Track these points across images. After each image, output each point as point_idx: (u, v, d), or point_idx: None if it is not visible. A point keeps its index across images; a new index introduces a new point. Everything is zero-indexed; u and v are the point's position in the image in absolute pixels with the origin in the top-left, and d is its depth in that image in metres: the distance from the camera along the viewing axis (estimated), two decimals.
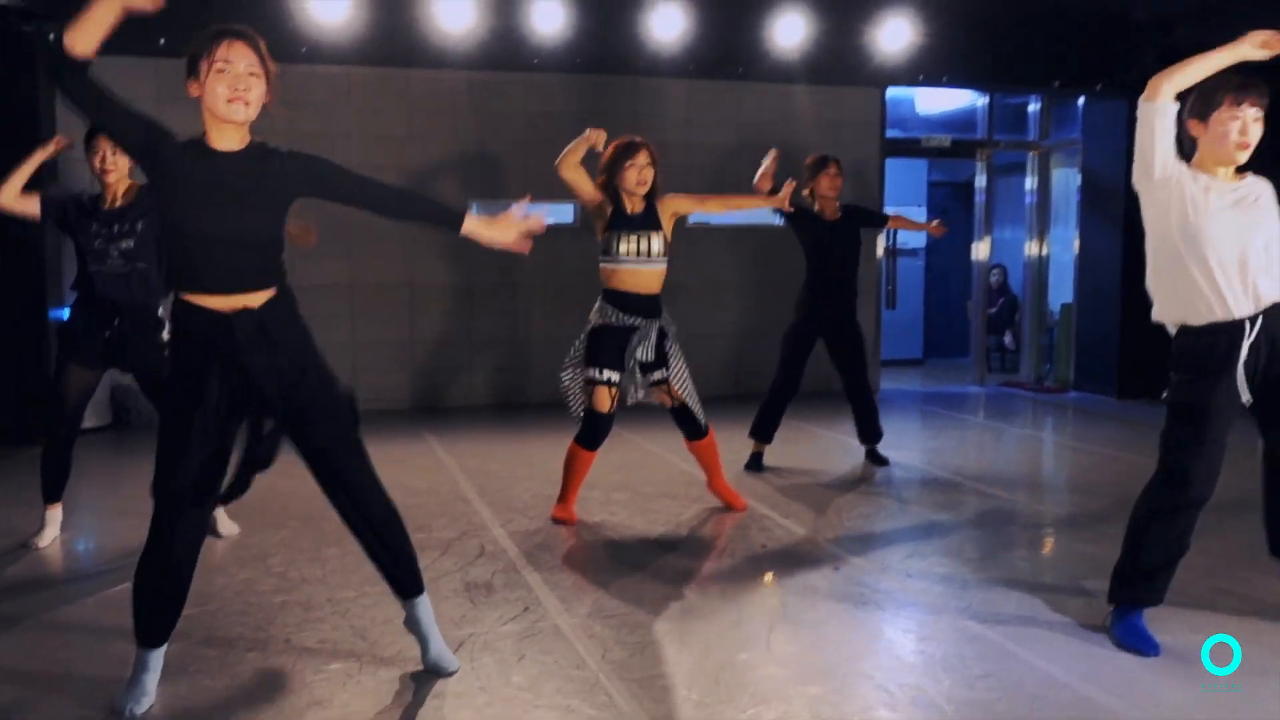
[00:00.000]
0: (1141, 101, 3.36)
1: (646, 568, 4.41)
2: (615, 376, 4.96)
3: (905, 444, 7.18)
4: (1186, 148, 3.48)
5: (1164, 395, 3.78)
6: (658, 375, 5.03)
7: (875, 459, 6.47)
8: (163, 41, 7.45)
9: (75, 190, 4.85)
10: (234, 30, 3.00)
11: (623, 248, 4.98)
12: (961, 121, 10.59)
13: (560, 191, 8.79)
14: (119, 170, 4.61)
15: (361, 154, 8.04)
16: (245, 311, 2.99)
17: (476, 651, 3.48)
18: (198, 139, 3.03)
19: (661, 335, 5.03)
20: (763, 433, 6.26)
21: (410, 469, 6.18)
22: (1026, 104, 10.25)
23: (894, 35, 8.42)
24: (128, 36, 8.06)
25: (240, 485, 3.25)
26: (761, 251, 9.04)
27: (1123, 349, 9.05)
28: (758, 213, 9.13)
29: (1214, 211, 3.35)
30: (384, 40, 7.74)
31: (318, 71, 7.98)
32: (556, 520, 5.12)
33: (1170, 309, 3.50)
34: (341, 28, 7.46)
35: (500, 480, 5.98)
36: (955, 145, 10.08)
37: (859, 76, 8.93)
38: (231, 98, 2.94)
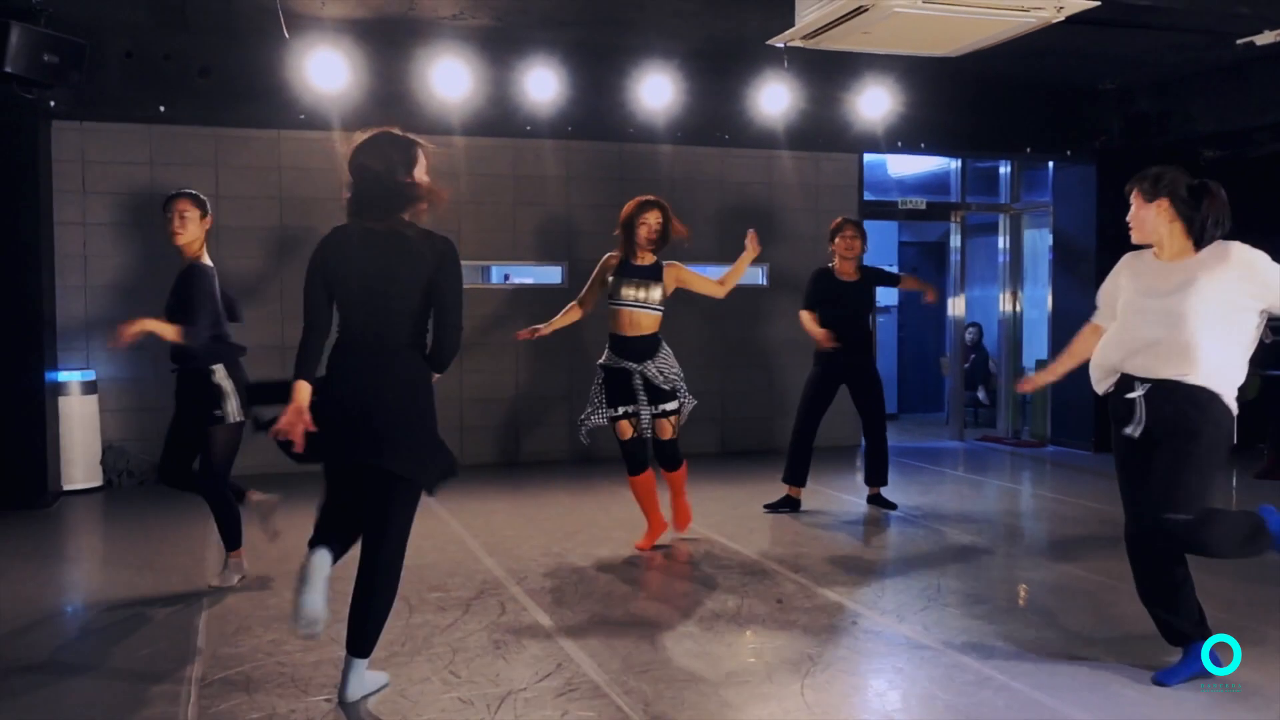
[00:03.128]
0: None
1: (668, 621, 4.49)
2: (628, 409, 5.58)
3: (897, 496, 7.34)
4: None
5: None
6: (667, 406, 5.61)
7: (880, 502, 6.92)
8: (162, 109, 7.57)
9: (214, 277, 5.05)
10: None
11: (625, 292, 5.56)
12: (934, 184, 10.93)
13: (548, 253, 9.06)
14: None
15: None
16: None
17: (520, 708, 3.54)
18: None
19: (660, 374, 5.58)
20: (797, 477, 6.74)
21: (415, 529, 6.19)
22: (997, 167, 10.60)
23: (873, 104, 8.72)
24: (129, 104, 8.15)
25: None
26: (740, 313, 9.22)
27: (1098, 404, 9.28)
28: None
29: (1138, 296, 3.85)
30: (380, 107, 7.90)
31: (314, 136, 8.09)
32: (642, 550, 5.74)
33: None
34: (339, 95, 7.60)
35: (506, 539, 6.04)
36: (930, 207, 10.39)
37: (839, 143, 9.23)
38: None
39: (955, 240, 10.53)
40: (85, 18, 6.86)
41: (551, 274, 9.17)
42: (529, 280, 9.40)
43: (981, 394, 11.50)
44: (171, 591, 5.01)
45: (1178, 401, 3.69)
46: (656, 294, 5.57)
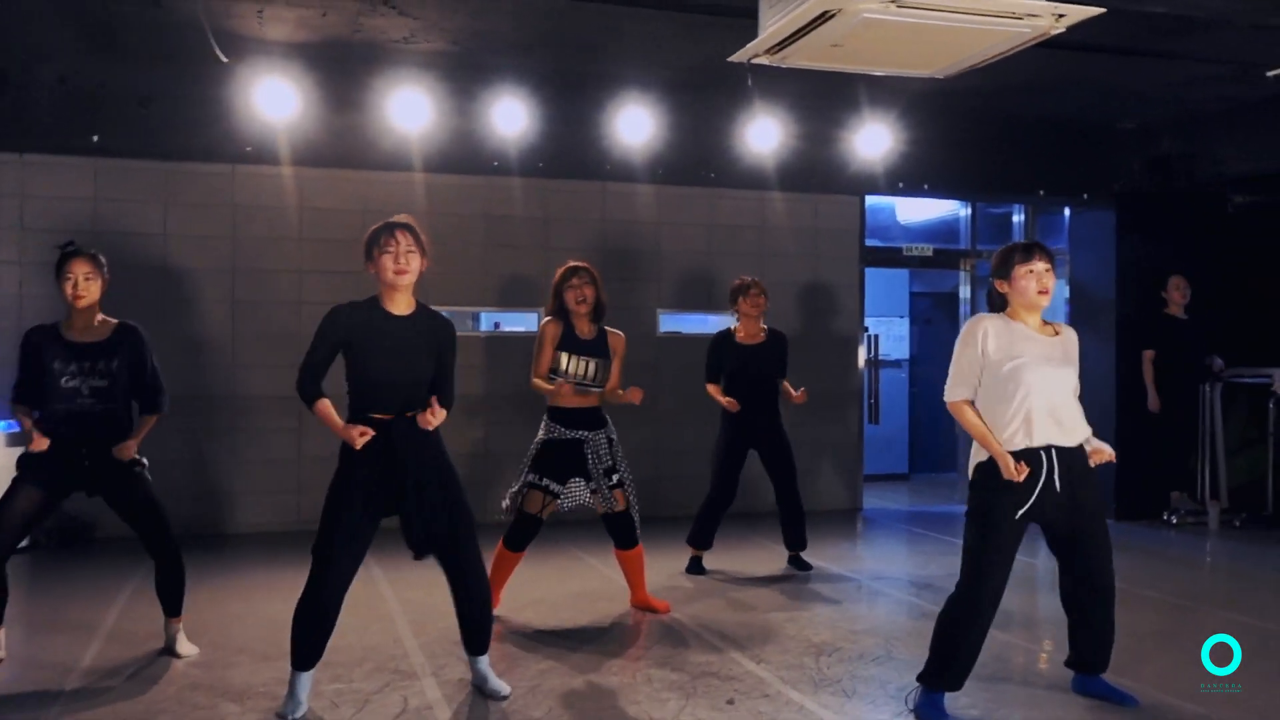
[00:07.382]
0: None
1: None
2: (553, 486, 5.18)
3: (890, 571, 6.62)
4: (998, 303, 4.09)
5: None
6: (613, 480, 5.25)
7: (798, 564, 6.59)
8: (96, 139, 7.08)
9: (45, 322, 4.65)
10: (396, 223, 3.96)
11: (572, 368, 5.22)
12: (944, 231, 10.28)
13: (518, 299, 8.44)
14: (90, 297, 4.50)
15: (312, 256, 7.61)
16: (401, 419, 3.91)
17: None
18: (376, 301, 3.98)
19: (609, 443, 5.30)
20: (703, 541, 6.44)
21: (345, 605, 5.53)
22: (1010, 214, 9.95)
23: (872, 142, 8.12)
24: (63, 135, 7.67)
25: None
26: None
27: (1120, 468, 8.53)
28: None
29: (1030, 361, 3.88)
30: (335, 141, 7.40)
31: (270, 172, 7.58)
32: None
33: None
34: (289, 127, 7.10)
35: (440, 615, 5.34)
36: (937, 255, 9.74)
37: (836, 184, 8.63)
38: (397, 270, 3.89)
39: (965, 290, 9.84)
40: (8, 41, 6.39)
41: (529, 321, 8.55)
42: (520, 329, 8.74)
43: None
44: (88, 668, 4.37)
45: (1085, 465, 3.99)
46: (603, 374, 5.31)
